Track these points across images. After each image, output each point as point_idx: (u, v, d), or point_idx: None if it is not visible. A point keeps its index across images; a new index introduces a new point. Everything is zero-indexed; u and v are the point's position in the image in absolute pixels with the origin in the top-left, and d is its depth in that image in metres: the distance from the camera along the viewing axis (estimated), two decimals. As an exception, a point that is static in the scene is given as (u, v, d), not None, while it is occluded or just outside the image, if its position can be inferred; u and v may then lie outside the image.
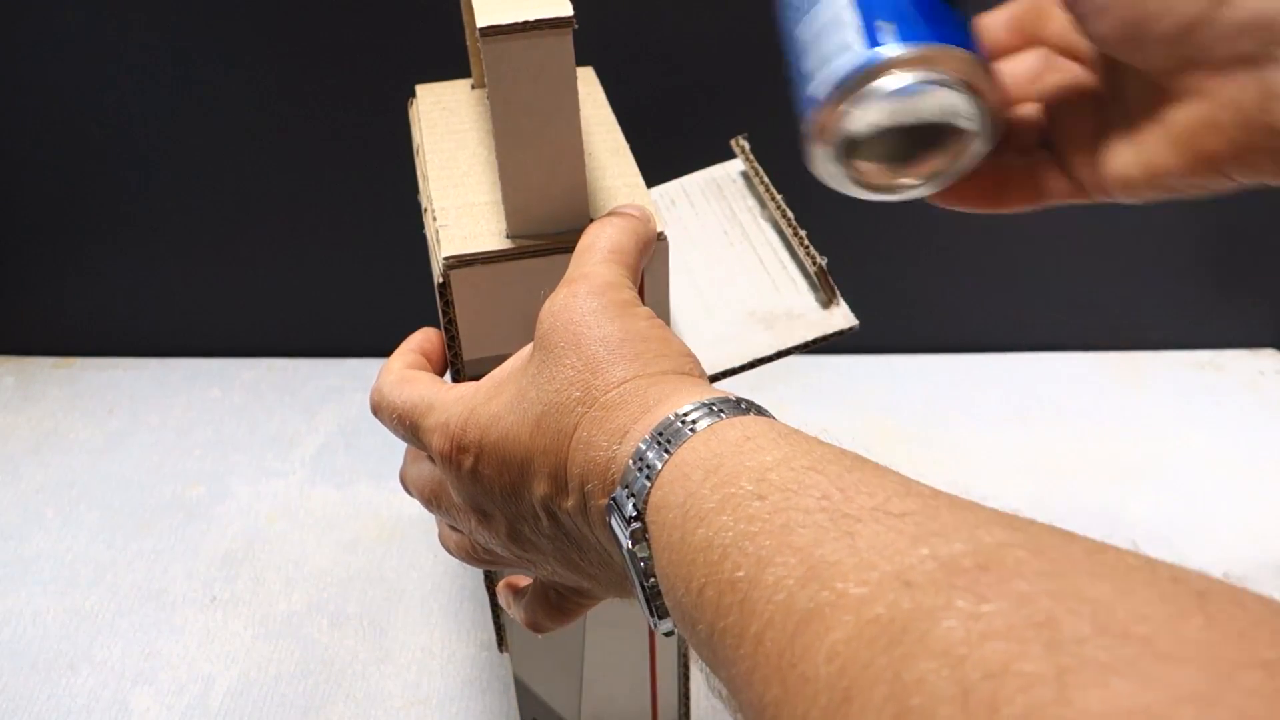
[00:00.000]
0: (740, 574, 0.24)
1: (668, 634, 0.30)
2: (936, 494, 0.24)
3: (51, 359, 0.87)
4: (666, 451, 0.29)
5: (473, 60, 0.48)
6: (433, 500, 0.39)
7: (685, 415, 0.29)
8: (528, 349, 0.35)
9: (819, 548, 0.23)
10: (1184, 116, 0.35)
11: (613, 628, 0.53)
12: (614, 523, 0.30)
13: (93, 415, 0.82)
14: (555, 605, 0.40)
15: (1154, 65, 0.36)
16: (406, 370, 0.40)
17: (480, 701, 0.61)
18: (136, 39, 0.73)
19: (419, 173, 0.45)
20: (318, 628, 0.66)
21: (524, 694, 0.55)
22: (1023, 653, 0.18)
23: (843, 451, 0.27)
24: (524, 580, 0.43)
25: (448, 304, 0.39)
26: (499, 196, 0.40)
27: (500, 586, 0.44)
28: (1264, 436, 0.78)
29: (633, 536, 0.29)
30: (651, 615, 0.30)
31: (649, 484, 0.29)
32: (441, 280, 0.39)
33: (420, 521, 0.72)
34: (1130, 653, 0.17)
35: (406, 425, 0.38)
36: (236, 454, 0.79)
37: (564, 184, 0.39)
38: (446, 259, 0.39)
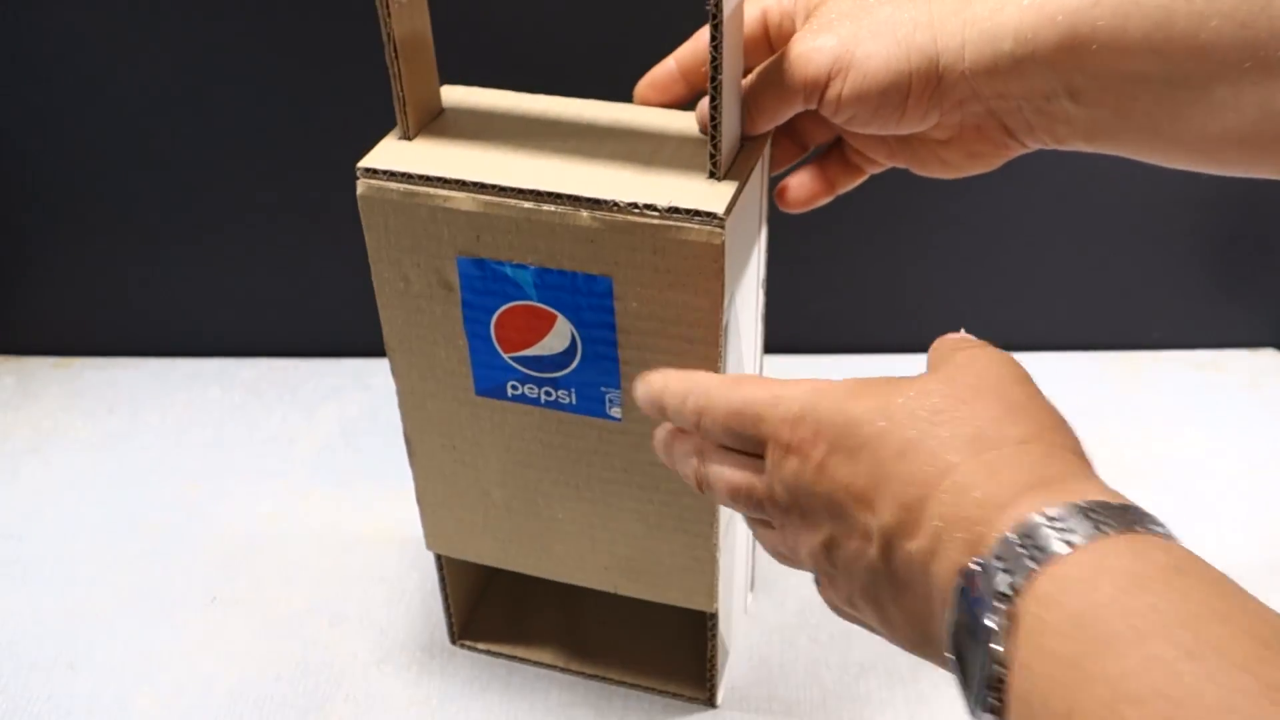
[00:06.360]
0: None
1: None
2: None
3: (51, 359, 0.87)
4: (1067, 542, 0.27)
5: (399, 112, 0.49)
6: (743, 494, 0.38)
7: (1091, 509, 0.28)
8: (906, 378, 0.35)
9: None
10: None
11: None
12: (975, 591, 0.28)
13: (93, 415, 0.82)
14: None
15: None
16: (729, 375, 0.41)
17: (480, 701, 0.61)
18: (136, 39, 0.73)
19: None
20: (318, 628, 0.66)
21: None
22: None
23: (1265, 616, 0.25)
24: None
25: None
26: None
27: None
28: (1264, 436, 0.78)
29: (1005, 615, 0.27)
30: (974, 706, 0.28)
31: (1035, 568, 0.27)
32: None
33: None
34: None
35: (745, 418, 0.37)
36: (236, 454, 0.79)
37: None
38: None
